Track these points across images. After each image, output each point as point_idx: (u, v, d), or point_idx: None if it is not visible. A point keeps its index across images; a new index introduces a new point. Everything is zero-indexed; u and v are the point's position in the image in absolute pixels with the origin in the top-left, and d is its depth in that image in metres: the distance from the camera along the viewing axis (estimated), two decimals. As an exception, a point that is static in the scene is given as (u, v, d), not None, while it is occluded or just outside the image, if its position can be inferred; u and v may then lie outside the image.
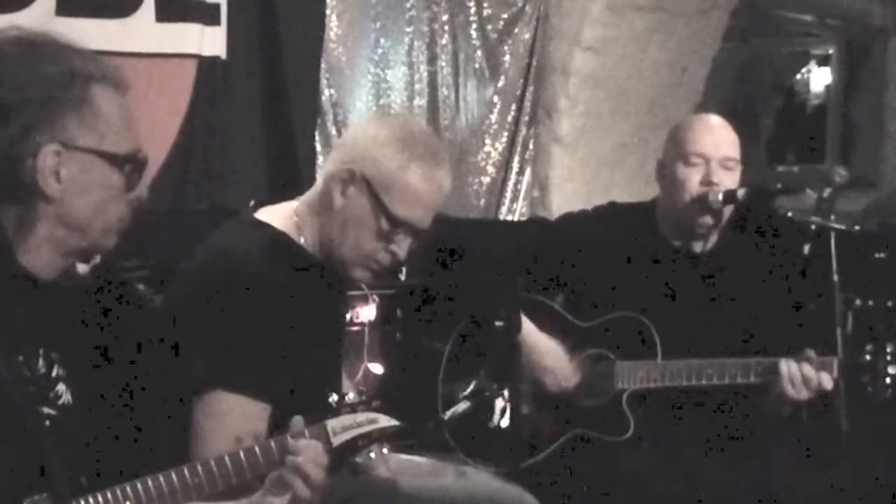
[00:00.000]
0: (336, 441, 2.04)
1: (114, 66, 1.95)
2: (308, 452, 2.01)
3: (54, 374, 1.92)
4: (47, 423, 1.88)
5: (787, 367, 3.04)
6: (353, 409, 2.08)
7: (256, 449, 2.01)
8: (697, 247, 3.27)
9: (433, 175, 2.44)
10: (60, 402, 1.91)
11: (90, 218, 1.91)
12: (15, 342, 1.86)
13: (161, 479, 1.91)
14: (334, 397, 2.10)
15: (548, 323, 3.17)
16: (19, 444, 1.82)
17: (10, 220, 1.87)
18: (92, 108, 1.88)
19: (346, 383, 2.69)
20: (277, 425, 2.25)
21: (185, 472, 1.94)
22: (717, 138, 3.21)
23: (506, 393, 2.99)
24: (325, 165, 2.51)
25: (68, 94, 1.87)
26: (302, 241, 2.46)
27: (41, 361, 1.90)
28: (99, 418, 2.04)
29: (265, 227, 2.46)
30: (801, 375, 3.03)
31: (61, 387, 1.92)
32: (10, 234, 1.87)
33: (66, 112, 1.86)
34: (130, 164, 1.94)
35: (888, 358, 3.04)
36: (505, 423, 3.02)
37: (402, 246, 2.45)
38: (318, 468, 2.01)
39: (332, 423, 2.05)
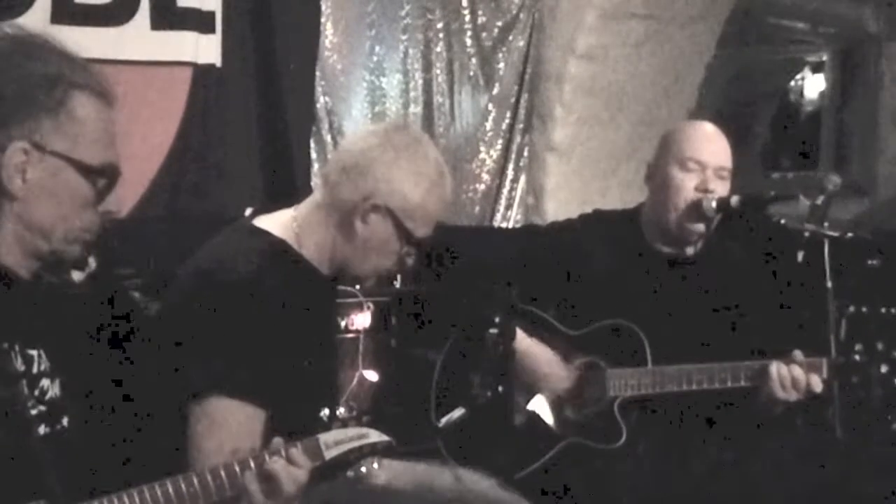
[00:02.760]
0: (328, 455, 2.07)
1: (104, 78, 1.94)
2: (289, 469, 2.02)
3: (36, 369, 1.91)
4: (39, 424, 1.88)
5: (777, 369, 3.05)
6: (344, 423, 2.11)
7: (249, 460, 2.02)
8: (684, 252, 3.27)
9: (445, 195, 2.55)
10: (47, 397, 1.91)
11: (52, 223, 1.90)
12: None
13: (157, 488, 1.92)
14: (326, 412, 2.12)
15: (538, 332, 3.18)
16: (9, 444, 1.82)
17: None
18: (70, 114, 1.87)
19: (340, 392, 2.70)
20: (275, 431, 2.27)
21: (181, 481, 1.95)
22: (715, 147, 3.23)
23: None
24: (335, 188, 2.48)
25: (47, 97, 1.86)
26: (302, 250, 2.47)
27: (19, 358, 1.88)
28: (97, 422, 2.04)
29: (264, 234, 2.47)
30: (791, 377, 3.04)
31: (45, 382, 1.92)
32: None
33: (42, 114, 1.86)
34: (102, 176, 1.92)
35: (879, 357, 3.06)
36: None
37: (412, 258, 2.56)
38: (292, 483, 2.02)
39: (325, 438, 2.08)
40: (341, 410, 2.14)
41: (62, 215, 1.90)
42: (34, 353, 1.92)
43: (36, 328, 1.94)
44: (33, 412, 1.88)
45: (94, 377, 2.15)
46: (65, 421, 1.94)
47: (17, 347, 1.89)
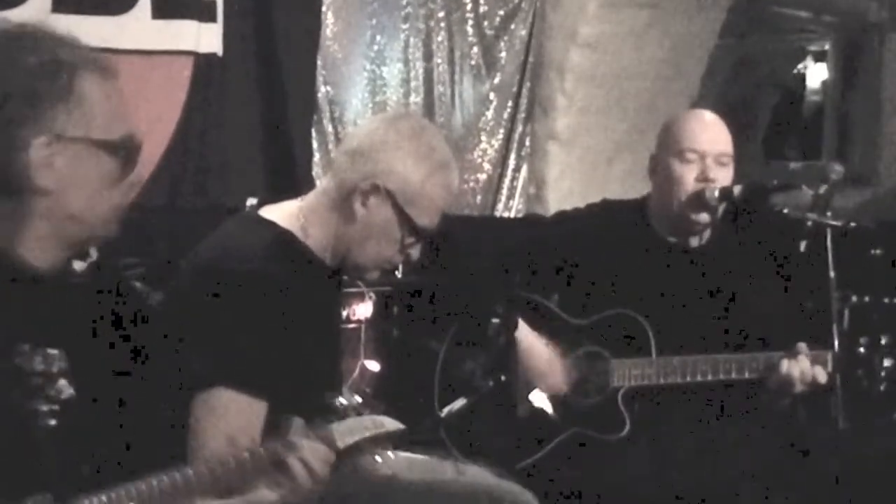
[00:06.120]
0: (342, 444, 2.05)
1: (98, 54, 1.93)
2: (317, 450, 2.02)
3: (55, 369, 1.90)
4: (48, 419, 1.87)
5: (782, 362, 3.05)
6: (358, 412, 2.09)
7: (261, 450, 2.01)
8: (691, 242, 3.27)
9: (450, 182, 2.50)
10: (62, 396, 1.89)
11: (88, 207, 1.89)
12: (12, 337, 1.84)
13: (165, 478, 1.91)
14: (341, 400, 2.11)
15: (542, 321, 3.17)
16: (16, 440, 1.81)
17: (5, 215, 1.85)
18: (79, 97, 1.86)
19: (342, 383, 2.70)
20: (275, 423, 2.26)
21: (190, 472, 1.94)
22: (713, 134, 3.22)
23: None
24: (338, 172, 2.48)
25: (54, 85, 1.85)
26: (308, 240, 2.46)
27: (39, 357, 1.88)
28: (102, 413, 2.03)
29: (271, 225, 2.46)
30: (796, 370, 3.04)
31: (63, 382, 1.90)
32: (5, 228, 1.86)
33: (53, 103, 1.84)
34: (124, 149, 1.92)
35: (883, 350, 3.06)
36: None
37: (417, 249, 2.51)
38: (325, 465, 2.02)
39: (338, 427, 2.06)
40: (357, 398, 2.13)
41: (95, 197, 1.90)
42: (50, 351, 1.90)
43: (52, 326, 1.92)
44: (44, 408, 1.87)
45: (108, 373, 2.13)
46: (69, 408, 1.92)
47: (31, 345, 1.87)
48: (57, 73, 1.85)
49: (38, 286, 1.89)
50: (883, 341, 3.06)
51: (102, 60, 1.93)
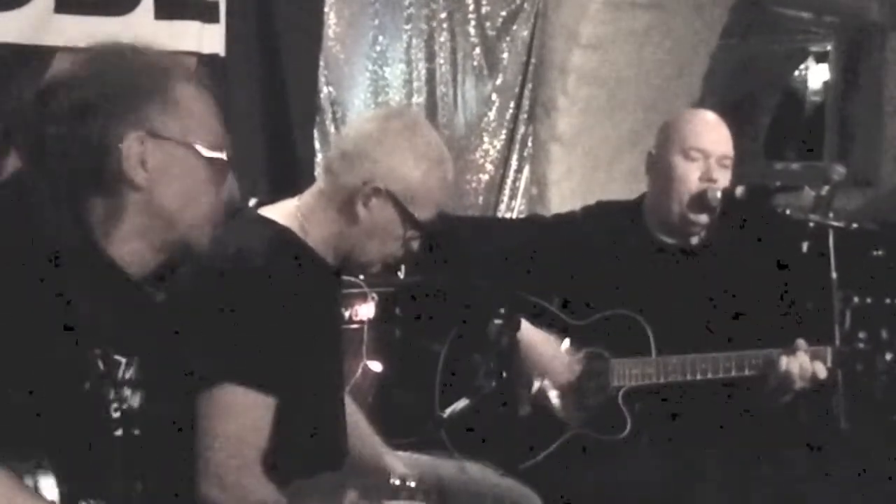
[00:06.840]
0: None
1: (192, 65, 1.99)
2: None
3: (121, 375, 1.90)
4: (114, 427, 1.87)
5: (781, 358, 3.06)
6: (410, 494, 2.20)
7: None
8: (688, 242, 3.27)
9: (447, 177, 2.54)
10: (125, 405, 1.90)
11: (179, 208, 1.93)
12: (94, 337, 1.84)
13: None
14: (396, 481, 2.17)
15: (542, 323, 3.18)
16: (81, 443, 1.81)
17: (99, 211, 1.89)
18: (174, 100, 1.91)
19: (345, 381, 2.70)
20: (282, 422, 2.27)
21: None
22: (718, 136, 3.23)
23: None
24: (337, 174, 2.49)
25: (150, 86, 1.90)
26: (307, 238, 2.48)
27: (115, 359, 1.88)
28: (166, 425, 2.03)
29: (270, 223, 2.48)
30: (795, 366, 3.04)
31: (129, 391, 1.90)
32: (98, 224, 1.88)
33: (149, 102, 1.89)
34: (216, 161, 1.96)
35: (883, 345, 3.06)
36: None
37: (417, 241, 2.55)
38: None
39: None
40: (411, 483, 2.21)
41: (187, 199, 1.94)
42: (122, 359, 1.90)
43: (129, 334, 1.92)
44: (115, 415, 1.87)
45: (175, 384, 2.12)
46: (132, 416, 1.91)
47: (107, 351, 1.87)
48: (154, 75, 1.91)
49: (123, 288, 1.91)
50: (883, 336, 3.06)
51: (198, 73, 1.98)
